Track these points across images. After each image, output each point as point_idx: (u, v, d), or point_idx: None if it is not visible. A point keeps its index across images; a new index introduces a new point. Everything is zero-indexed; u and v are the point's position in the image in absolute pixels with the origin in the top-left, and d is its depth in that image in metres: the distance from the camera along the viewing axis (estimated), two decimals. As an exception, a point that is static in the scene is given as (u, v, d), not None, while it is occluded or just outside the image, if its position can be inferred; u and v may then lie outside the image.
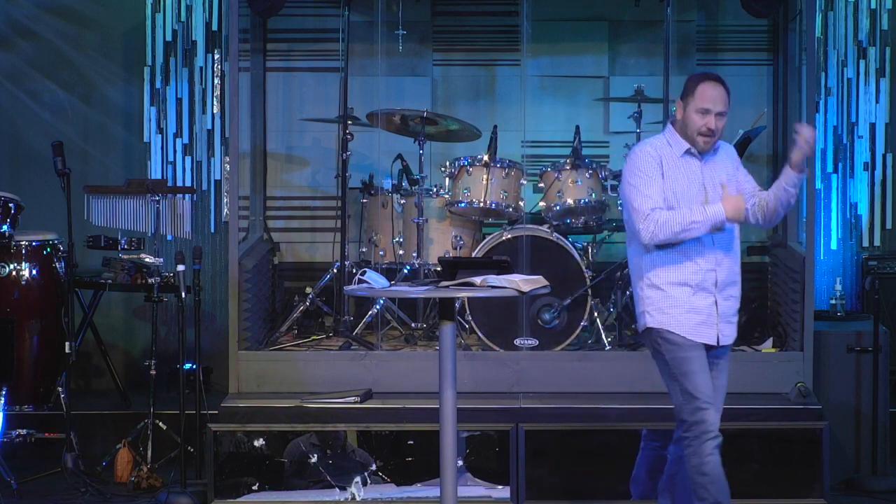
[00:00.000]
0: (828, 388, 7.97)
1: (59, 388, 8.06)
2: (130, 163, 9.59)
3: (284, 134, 9.56)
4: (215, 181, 9.57)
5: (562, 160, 8.52)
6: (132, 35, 9.57)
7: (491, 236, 8.38)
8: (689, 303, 6.02)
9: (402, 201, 8.61)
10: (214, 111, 9.56)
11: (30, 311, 8.48)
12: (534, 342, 8.07)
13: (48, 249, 8.55)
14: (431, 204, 8.55)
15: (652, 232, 5.95)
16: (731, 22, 9.41)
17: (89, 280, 8.83)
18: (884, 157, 9.45)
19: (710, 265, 6.03)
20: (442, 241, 8.56)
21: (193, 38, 9.54)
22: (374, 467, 7.56)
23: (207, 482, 7.56)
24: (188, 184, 9.49)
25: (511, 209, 8.45)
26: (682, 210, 5.95)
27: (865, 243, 9.45)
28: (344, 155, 8.65)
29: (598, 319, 8.20)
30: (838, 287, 8.76)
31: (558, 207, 8.41)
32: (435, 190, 8.58)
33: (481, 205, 8.41)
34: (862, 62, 9.43)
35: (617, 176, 8.54)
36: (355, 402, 7.65)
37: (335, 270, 8.69)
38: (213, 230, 9.56)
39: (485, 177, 8.41)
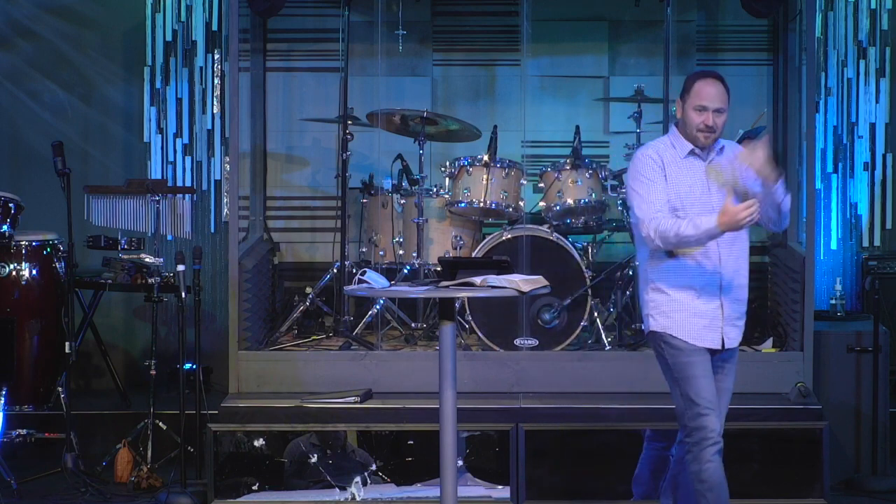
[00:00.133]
0: (828, 388, 7.97)
1: (59, 388, 8.06)
2: (130, 163, 9.59)
3: (284, 134, 9.56)
4: (215, 181, 9.57)
5: (562, 160, 8.52)
6: (132, 35, 9.57)
7: (491, 236, 8.38)
8: (694, 306, 5.98)
9: (402, 201, 8.61)
10: (214, 111, 9.56)
11: (30, 311, 8.48)
12: (534, 342, 8.07)
13: (48, 249, 8.55)
14: (431, 204, 8.56)
15: (651, 239, 5.95)
16: (731, 22, 9.41)
17: (89, 280, 8.82)
18: (884, 157, 9.45)
19: (715, 268, 5.97)
20: (442, 241, 8.56)
21: (193, 38, 9.54)
22: (374, 467, 7.56)
23: (207, 482, 7.56)
24: (188, 184, 9.49)
25: (511, 209, 8.45)
26: (680, 221, 5.88)
27: (865, 243, 9.45)
28: (344, 155, 8.65)
29: (598, 319, 8.20)
30: (838, 287, 8.76)
31: (558, 207, 8.41)
32: (435, 190, 8.58)
33: (481, 205, 8.41)
34: (862, 62, 9.43)
35: (617, 176, 8.56)
36: (355, 402, 7.65)
37: (335, 270, 8.69)
38: (213, 230, 9.56)
39: (485, 177, 8.41)
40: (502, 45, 9.48)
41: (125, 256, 8.61)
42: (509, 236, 8.24)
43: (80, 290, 8.78)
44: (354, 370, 7.91)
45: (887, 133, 9.44)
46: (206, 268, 9.31)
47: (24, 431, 8.06)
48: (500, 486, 7.56)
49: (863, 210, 9.44)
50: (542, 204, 8.48)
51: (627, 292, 8.43)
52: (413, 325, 8.66)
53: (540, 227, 8.35)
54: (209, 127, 9.57)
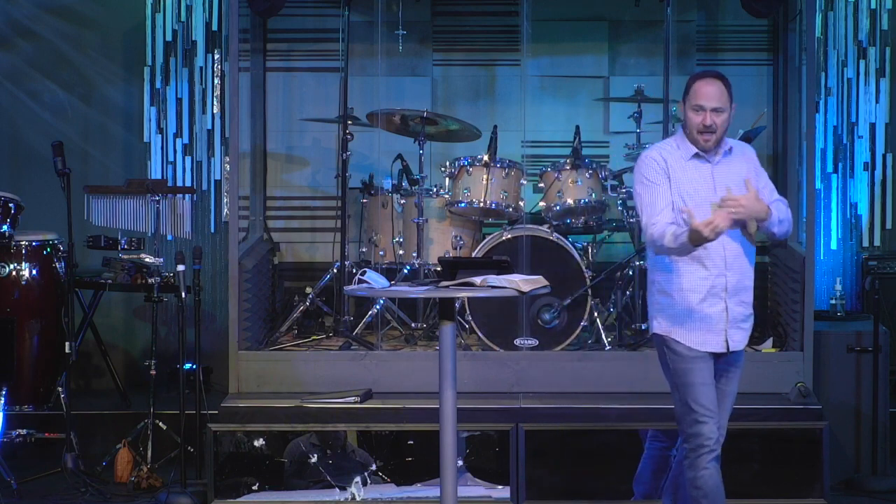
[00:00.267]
0: (828, 388, 7.97)
1: (59, 388, 8.06)
2: (130, 163, 9.59)
3: (284, 134, 9.56)
4: (215, 181, 9.57)
5: (562, 160, 8.52)
6: (132, 35, 9.57)
7: (491, 236, 8.38)
8: (698, 310, 5.95)
9: (402, 201, 8.61)
10: (214, 111, 9.56)
11: (30, 311, 8.48)
12: (534, 342, 8.07)
13: (48, 249, 8.55)
14: (431, 204, 8.55)
15: (648, 243, 5.96)
16: (731, 22, 9.41)
17: (89, 280, 8.82)
18: (884, 157, 9.45)
19: (720, 271, 5.93)
20: (442, 241, 8.56)
21: (193, 38, 9.54)
22: (374, 467, 7.56)
23: (207, 482, 7.56)
24: (188, 184, 9.49)
25: (511, 209, 8.45)
26: (667, 230, 5.85)
27: (865, 243, 9.45)
28: (344, 155, 8.65)
29: (598, 319, 8.20)
30: (838, 287, 8.76)
31: (558, 207, 8.41)
32: (435, 190, 8.58)
33: (481, 205, 8.41)
34: (862, 62, 9.43)
35: (617, 176, 8.57)
36: (355, 402, 7.65)
37: (335, 270, 8.69)
38: (213, 230, 9.56)
39: (485, 177, 8.41)
40: (502, 45, 9.48)
41: (125, 256, 8.61)
42: (509, 236, 8.24)
43: (80, 290, 8.78)
44: (354, 370, 7.91)
45: (887, 133, 9.44)
46: (206, 268, 9.31)
47: (24, 431, 8.06)
48: (500, 486, 7.56)
49: (863, 210, 9.44)
50: (542, 204, 8.48)
51: (627, 292, 8.44)
52: (413, 325, 8.66)
53: (540, 227, 8.35)
54: (209, 127, 9.57)
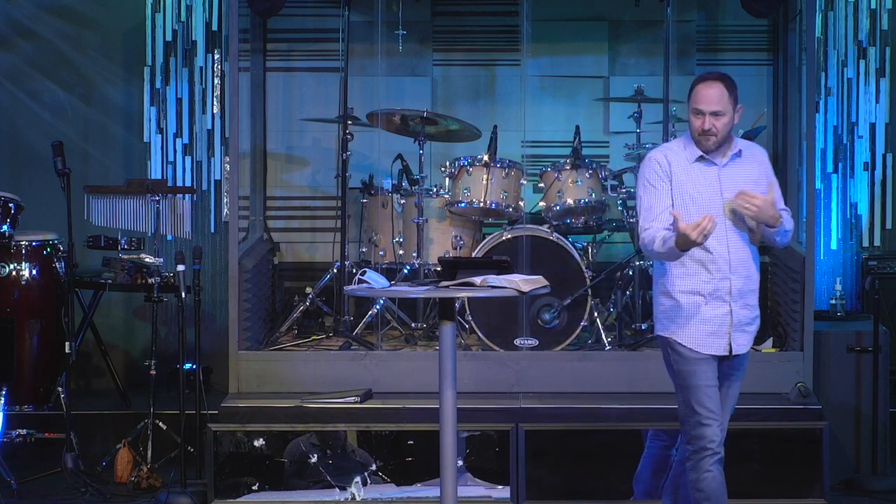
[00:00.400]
0: (828, 388, 7.97)
1: (59, 388, 8.06)
2: (130, 163, 9.59)
3: (284, 134, 9.57)
4: (215, 181, 9.57)
5: (562, 160, 8.52)
6: (132, 35, 9.57)
7: (491, 236, 8.38)
8: (701, 313, 5.93)
9: (402, 201, 8.61)
10: (214, 111, 9.56)
11: (30, 311, 8.48)
12: (534, 342, 8.07)
13: (48, 249, 8.55)
14: (431, 204, 8.55)
15: (641, 248, 5.96)
16: (731, 22, 9.41)
17: (89, 280, 8.82)
18: (884, 157, 9.45)
19: (724, 274, 5.92)
20: (442, 241, 8.56)
21: (193, 38, 9.54)
22: (374, 467, 7.56)
23: (207, 482, 7.56)
24: (188, 184, 9.49)
25: (511, 209, 8.45)
26: (657, 235, 5.84)
27: (865, 243, 9.45)
28: (344, 155, 8.64)
29: (598, 319, 8.20)
30: (838, 287, 8.76)
31: (558, 207, 8.41)
32: (435, 190, 8.58)
33: (481, 205, 8.41)
34: (862, 62, 9.43)
35: (617, 176, 8.57)
36: (355, 402, 7.65)
37: (335, 270, 8.69)
38: (213, 230, 9.56)
39: (485, 177, 8.41)
40: (502, 45, 9.49)
41: (125, 256, 8.61)
42: (509, 236, 8.24)
43: (80, 290, 8.78)
44: (354, 370, 7.91)
45: (887, 133, 9.44)
46: (206, 268, 9.31)
47: (24, 431, 8.06)
48: (500, 486, 7.56)
49: (863, 210, 9.44)
50: (542, 204, 8.48)
51: (627, 292, 8.43)
52: (413, 325, 8.66)
53: (540, 227, 8.35)
54: (209, 127, 9.57)
